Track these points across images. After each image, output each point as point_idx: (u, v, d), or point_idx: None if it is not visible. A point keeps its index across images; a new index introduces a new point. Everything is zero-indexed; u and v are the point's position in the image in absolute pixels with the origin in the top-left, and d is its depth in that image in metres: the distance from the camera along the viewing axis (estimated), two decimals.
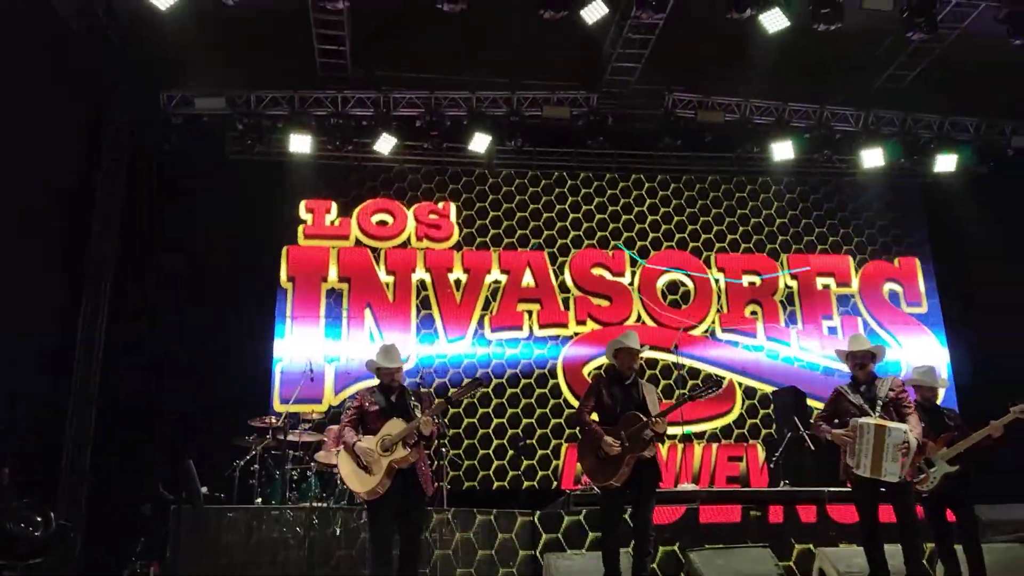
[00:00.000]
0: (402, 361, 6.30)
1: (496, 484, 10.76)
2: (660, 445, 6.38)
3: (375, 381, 6.25)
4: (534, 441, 10.95)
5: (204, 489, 8.12)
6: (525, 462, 10.80)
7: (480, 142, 11.21)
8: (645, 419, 5.99)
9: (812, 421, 6.51)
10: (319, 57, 10.69)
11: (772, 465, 9.39)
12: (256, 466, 8.41)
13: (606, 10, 9.31)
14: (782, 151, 11.58)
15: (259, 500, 8.18)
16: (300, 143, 10.96)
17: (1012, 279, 11.35)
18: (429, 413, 5.96)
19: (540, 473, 10.88)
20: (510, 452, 10.79)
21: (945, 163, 11.87)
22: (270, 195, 11.30)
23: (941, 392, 6.77)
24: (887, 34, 10.75)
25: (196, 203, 10.70)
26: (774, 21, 9.45)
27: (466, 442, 10.84)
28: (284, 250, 11.21)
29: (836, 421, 6.22)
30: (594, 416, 6.28)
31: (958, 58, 10.84)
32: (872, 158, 11.77)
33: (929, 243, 12.48)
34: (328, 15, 9.79)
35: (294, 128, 10.94)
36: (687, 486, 9.06)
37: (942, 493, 6.38)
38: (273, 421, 8.64)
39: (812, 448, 8.69)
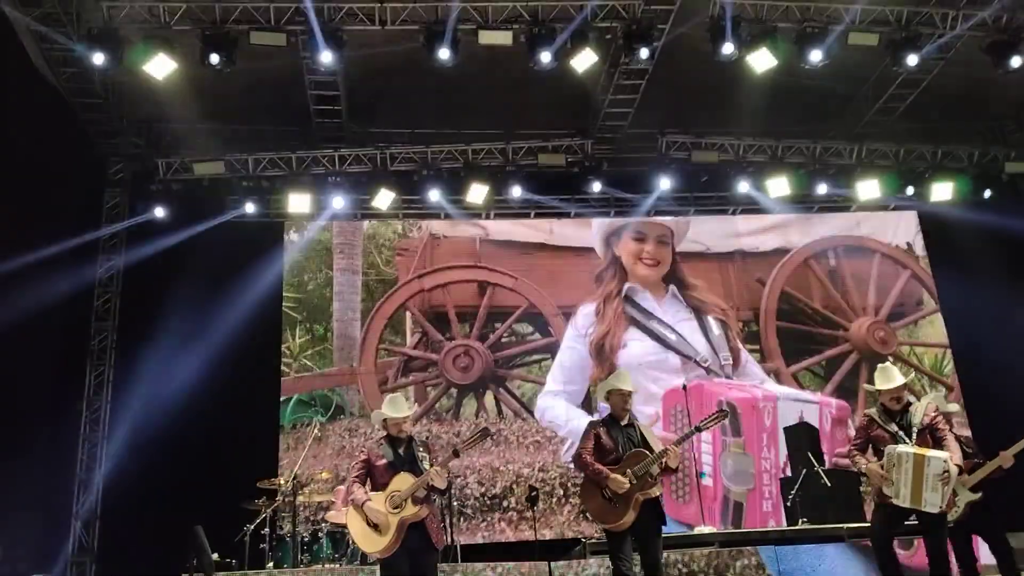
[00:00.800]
0: (410, 411, 6.23)
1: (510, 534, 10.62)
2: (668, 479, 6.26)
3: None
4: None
5: (215, 556, 8.02)
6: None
7: (477, 193, 11.29)
8: (658, 452, 5.88)
9: (847, 452, 6.35)
10: (315, 118, 10.83)
11: (789, 504, 9.27)
12: (266, 529, 8.30)
13: (596, 58, 9.43)
14: (777, 187, 11.67)
15: (271, 565, 8.05)
16: (299, 202, 11.03)
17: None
18: (439, 465, 5.87)
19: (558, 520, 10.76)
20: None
21: (941, 192, 11.92)
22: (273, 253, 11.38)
23: (956, 419, 6.65)
24: (875, 68, 10.88)
25: (198, 267, 10.75)
26: (762, 61, 9.56)
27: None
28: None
29: (869, 449, 6.09)
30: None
31: (945, 88, 10.97)
32: (868, 190, 11.84)
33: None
34: (322, 76, 9.93)
35: (293, 188, 11.03)
36: (704, 528, 8.92)
37: (967, 522, 6.29)
38: (281, 483, 8.55)
39: (828, 484, 8.61)
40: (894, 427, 5.96)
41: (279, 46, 9.06)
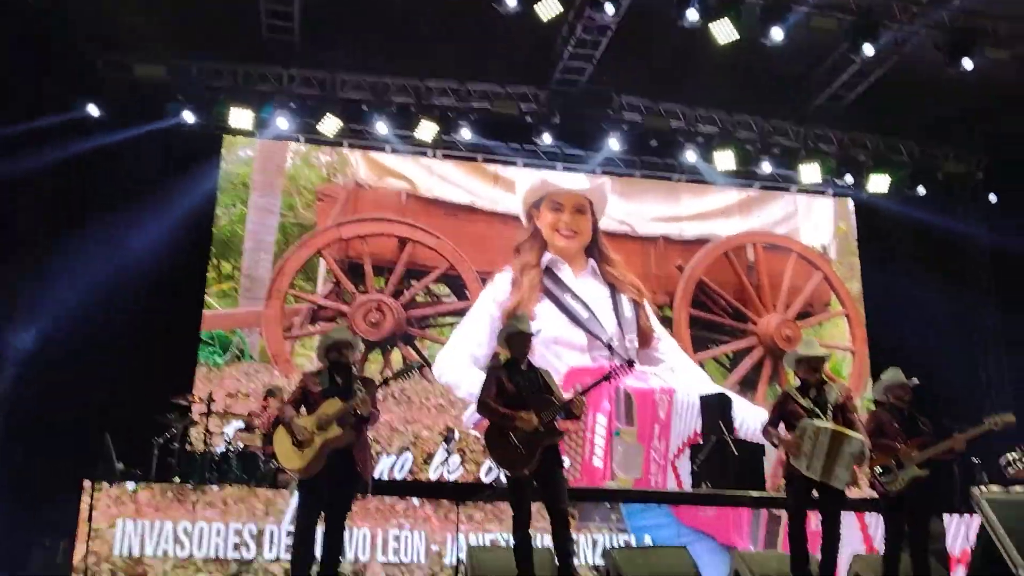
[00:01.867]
0: (356, 340, 6.22)
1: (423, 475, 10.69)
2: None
3: None
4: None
5: (120, 465, 7.91)
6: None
7: (426, 130, 11.13)
8: (564, 402, 5.86)
9: (764, 427, 6.47)
10: (266, 32, 10.45)
11: (696, 468, 9.53)
12: (176, 444, 8.20)
13: (560, 8, 9.30)
14: (724, 161, 11.79)
15: (176, 479, 7.97)
16: (241, 117, 10.71)
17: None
18: (364, 393, 5.85)
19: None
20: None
21: (878, 184, 12.21)
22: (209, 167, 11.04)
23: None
24: (830, 53, 11.00)
25: (130, 170, 10.39)
26: (724, 32, 9.57)
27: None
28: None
29: (780, 427, 6.24)
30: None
31: (897, 82, 11.16)
32: (810, 173, 12.06)
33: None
34: None
35: (236, 102, 10.69)
36: (611, 484, 9.13)
37: (904, 497, 6.37)
38: (196, 399, 8.44)
39: (736, 454, 8.85)
40: (809, 403, 6.13)
41: None
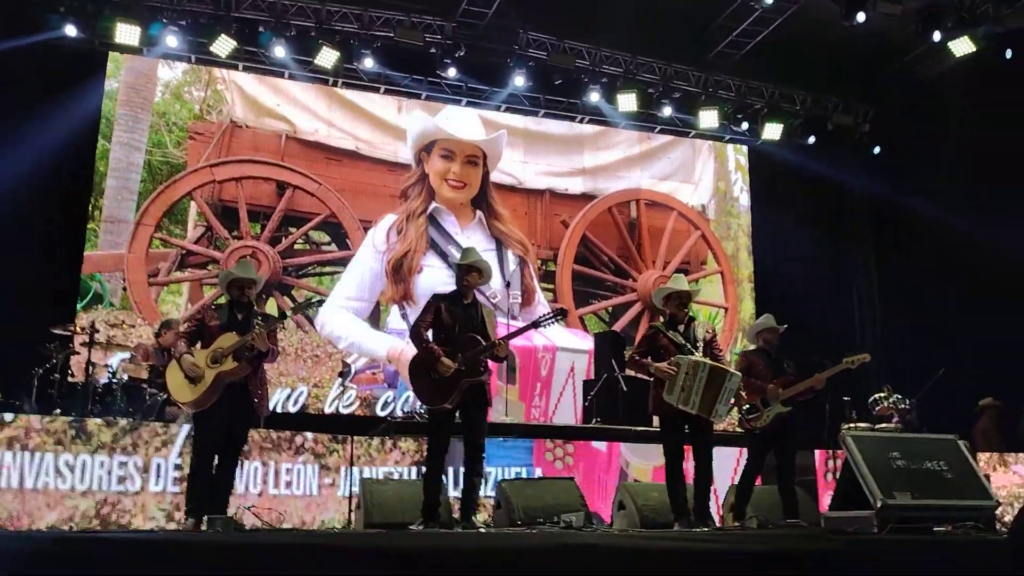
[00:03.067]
0: (259, 277, 6.12)
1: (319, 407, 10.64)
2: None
3: None
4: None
5: None
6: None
7: (327, 56, 10.79)
8: (486, 343, 5.91)
9: (628, 357, 6.61)
10: None
11: (587, 404, 9.81)
12: (56, 375, 7.90)
13: None
14: (626, 103, 11.89)
15: (57, 411, 7.70)
16: (128, 33, 10.12)
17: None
18: (262, 328, 5.78)
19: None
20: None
21: (771, 132, 12.57)
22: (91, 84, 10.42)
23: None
24: (732, 1, 11.16)
25: (5, 88, 9.72)
26: None
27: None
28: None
29: (649, 359, 6.26)
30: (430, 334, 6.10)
31: (793, 32, 11.43)
32: (708, 119, 12.30)
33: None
34: None
35: (122, 17, 10.08)
36: (506, 418, 9.31)
37: (769, 433, 6.74)
38: (78, 328, 8.13)
39: (625, 389, 9.14)
40: (679, 338, 6.23)
41: None
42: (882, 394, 9.49)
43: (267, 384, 6.30)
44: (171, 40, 10.37)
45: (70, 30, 10.02)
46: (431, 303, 6.15)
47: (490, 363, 6.17)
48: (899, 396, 9.36)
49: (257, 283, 6.14)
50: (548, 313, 6.35)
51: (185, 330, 6.06)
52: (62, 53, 10.19)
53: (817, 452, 9.05)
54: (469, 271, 6.13)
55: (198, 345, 5.93)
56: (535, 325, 6.30)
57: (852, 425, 8.93)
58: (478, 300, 6.26)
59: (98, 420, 7.12)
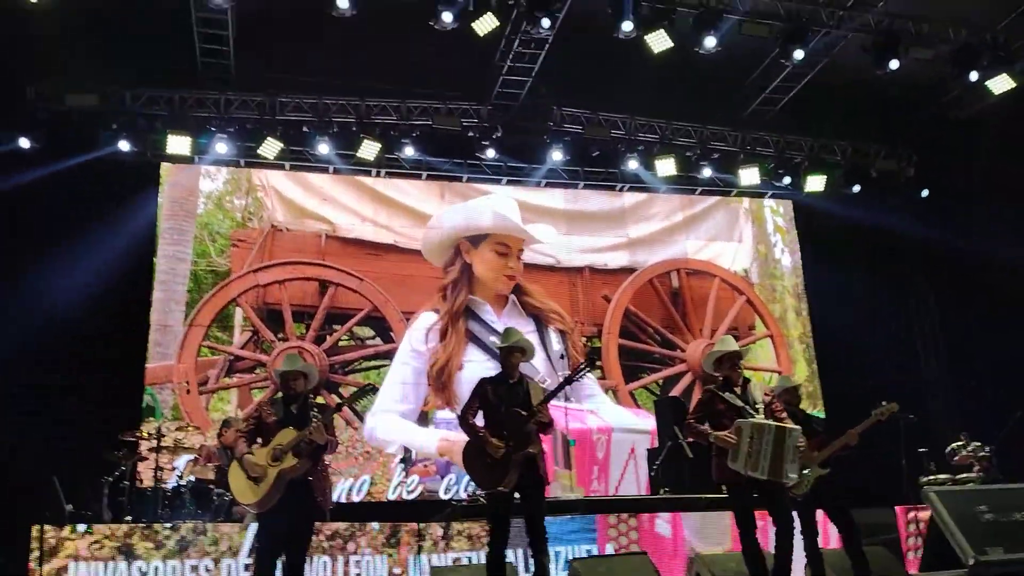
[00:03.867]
0: (308, 368, 6.13)
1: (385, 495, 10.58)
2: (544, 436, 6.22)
3: None
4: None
5: (70, 507, 7.70)
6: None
7: (369, 149, 11.09)
8: (528, 412, 5.85)
9: (686, 424, 6.43)
10: (201, 56, 10.33)
11: (652, 474, 9.63)
12: (126, 482, 8.01)
13: (497, 23, 9.36)
14: (665, 168, 11.96)
15: (129, 518, 7.78)
16: (179, 144, 10.55)
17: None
18: (320, 421, 5.79)
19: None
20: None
21: (815, 184, 12.50)
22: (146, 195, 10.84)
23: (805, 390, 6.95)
24: (763, 59, 11.26)
25: (66, 204, 10.15)
26: (659, 42, 9.72)
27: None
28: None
29: (707, 424, 6.04)
30: (480, 420, 6.05)
31: (828, 83, 11.47)
32: (749, 176, 12.30)
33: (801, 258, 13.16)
34: (211, 13, 9.47)
35: (173, 129, 10.52)
36: (571, 494, 9.17)
37: (814, 497, 6.49)
38: (145, 434, 8.26)
39: (691, 456, 8.96)
40: (738, 400, 5.99)
41: None
42: (960, 443, 9.17)
43: (329, 477, 6.29)
44: (220, 147, 10.77)
45: (123, 145, 10.48)
46: (477, 388, 6.16)
47: (543, 438, 6.11)
48: (978, 444, 9.02)
49: (308, 375, 6.15)
50: (580, 365, 6.25)
51: (244, 429, 6.05)
52: (117, 168, 10.61)
53: (897, 509, 8.70)
54: (511, 352, 6.14)
55: (258, 442, 5.93)
56: (568, 381, 6.24)
57: (932, 477, 8.61)
58: (524, 377, 6.22)
59: (167, 525, 7.16)
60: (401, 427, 10.81)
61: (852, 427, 6.63)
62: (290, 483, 5.77)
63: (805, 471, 6.37)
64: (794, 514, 6.12)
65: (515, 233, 11.71)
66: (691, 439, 6.55)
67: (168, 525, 7.14)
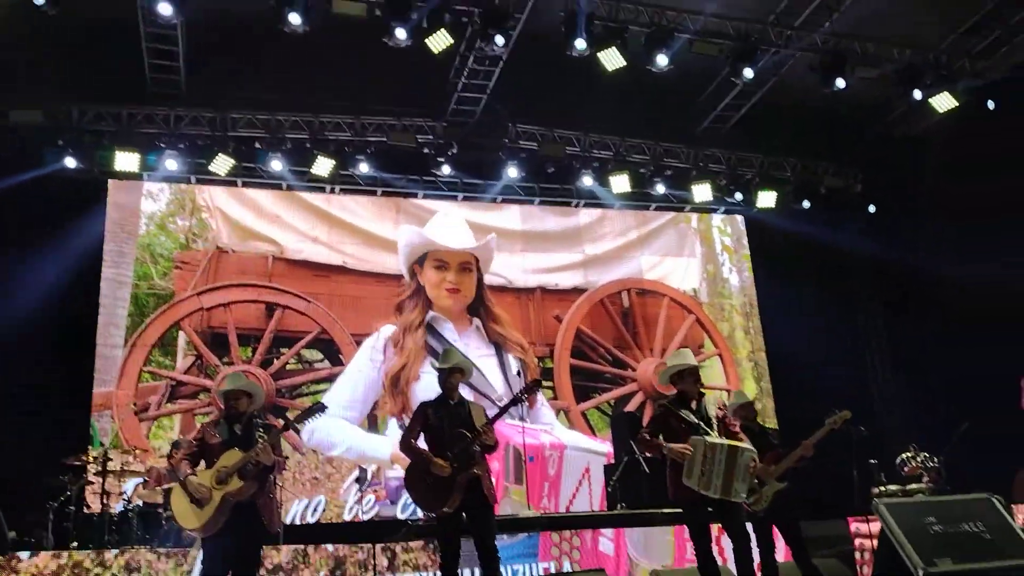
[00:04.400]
0: (251, 387, 5.99)
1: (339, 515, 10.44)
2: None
3: None
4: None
5: (12, 534, 7.46)
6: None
7: (322, 165, 11.00)
8: (471, 434, 5.83)
9: (639, 437, 6.35)
10: (150, 72, 10.17)
11: (610, 489, 9.63)
12: (72, 507, 7.79)
13: (451, 40, 9.37)
14: (619, 184, 12.06)
15: (74, 544, 7.57)
16: (127, 161, 10.36)
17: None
18: (266, 441, 5.65)
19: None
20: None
21: (766, 200, 12.70)
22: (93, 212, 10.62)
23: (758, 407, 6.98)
24: (714, 77, 11.44)
25: (9, 221, 9.90)
26: (611, 60, 9.82)
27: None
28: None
29: (661, 438, 5.97)
30: (422, 443, 5.99)
31: (777, 102, 11.69)
32: (701, 192, 12.45)
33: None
34: (161, 28, 9.35)
35: (121, 146, 10.33)
36: (527, 512, 9.12)
37: (770, 510, 6.49)
38: (90, 458, 8.05)
39: (648, 471, 8.98)
40: (693, 417, 5.95)
41: None
42: (909, 454, 9.32)
43: (276, 498, 6.15)
44: (171, 163, 10.61)
45: (69, 162, 10.25)
46: (418, 412, 6.15)
47: (489, 459, 6.09)
48: (926, 455, 9.18)
49: (253, 395, 5.97)
50: (522, 388, 6.21)
51: (186, 451, 5.84)
52: (63, 185, 10.36)
53: (849, 520, 8.81)
54: (451, 373, 6.12)
55: (201, 465, 5.76)
56: (514, 402, 6.13)
57: (883, 489, 8.74)
58: (464, 399, 6.20)
59: (114, 551, 6.97)
60: (349, 431, 10.69)
61: (805, 439, 6.69)
62: (236, 506, 5.61)
63: (764, 487, 6.42)
64: (750, 527, 6.13)
65: (435, 247, 11.68)
66: (647, 453, 6.52)
67: (114, 551, 6.95)
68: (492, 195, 12.32)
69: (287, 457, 6.10)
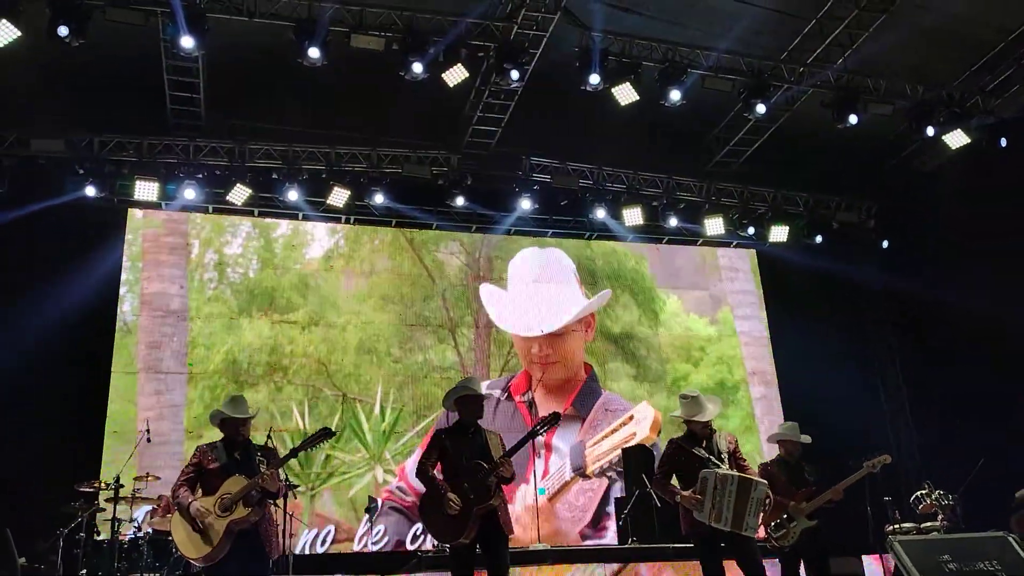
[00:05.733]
0: (251, 413, 5.82)
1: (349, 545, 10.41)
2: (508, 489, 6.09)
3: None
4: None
5: (22, 560, 7.47)
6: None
7: (338, 196, 11.11)
8: (488, 466, 5.75)
9: (654, 480, 6.40)
10: (170, 104, 10.34)
11: (621, 523, 9.57)
12: (82, 534, 7.80)
13: (467, 74, 9.50)
14: (632, 217, 12.12)
15: (83, 572, 7.57)
16: (146, 190, 10.51)
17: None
18: (272, 467, 5.54)
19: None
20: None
21: (778, 234, 12.71)
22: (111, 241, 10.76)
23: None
24: (727, 112, 11.53)
25: (31, 249, 10.02)
26: (625, 94, 9.93)
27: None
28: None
29: (673, 477, 6.03)
30: (438, 472, 5.90)
31: (790, 136, 11.74)
32: (714, 226, 12.49)
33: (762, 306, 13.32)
34: (182, 61, 9.52)
35: (141, 175, 10.48)
36: (538, 545, 9.08)
37: (797, 547, 6.49)
38: (102, 485, 8.06)
39: (659, 505, 8.93)
40: (703, 452, 5.97)
41: (137, 24, 8.62)
42: (924, 491, 9.23)
43: (276, 524, 6.01)
44: (189, 192, 10.73)
45: (89, 191, 10.40)
46: (434, 440, 6.03)
47: (505, 489, 6.02)
48: (941, 492, 9.07)
49: (248, 418, 5.75)
50: (542, 420, 6.10)
51: (185, 479, 5.55)
52: (83, 213, 10.50)
53: (865, 558, 8.72)
54: (461, 400, 6.01)
55: (199, 492, 5.56)
56: (532, 436, 6.06)
57: (897, 526, 8.65)
58: (481, 427, 6.08)
59: None
60: None
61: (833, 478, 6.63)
62: (239, 532, 5.46)
63: (792, 523, 6.45)
64: (768, 563, 6.07)
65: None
66: (664, 495, 6.46)
67: None
68: (505, 227, 12.38)
69: (298, 485, 6.02)
